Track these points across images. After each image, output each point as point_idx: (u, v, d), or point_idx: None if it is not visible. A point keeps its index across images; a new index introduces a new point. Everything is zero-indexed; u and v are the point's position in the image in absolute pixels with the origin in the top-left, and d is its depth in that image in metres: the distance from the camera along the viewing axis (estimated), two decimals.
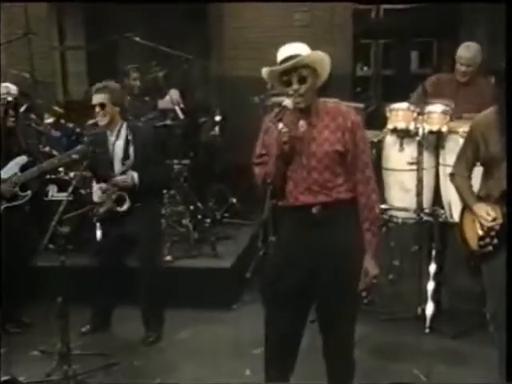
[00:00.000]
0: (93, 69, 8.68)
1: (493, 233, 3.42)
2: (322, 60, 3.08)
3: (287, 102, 2.98)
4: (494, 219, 3.40)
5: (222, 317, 4.92)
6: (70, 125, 5.87)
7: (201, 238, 5.56)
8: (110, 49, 8.16)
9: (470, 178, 3.60)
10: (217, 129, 6.01)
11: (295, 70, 3.01)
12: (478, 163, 3.56)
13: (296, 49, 3.06)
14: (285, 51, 3.06)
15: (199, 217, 5.75)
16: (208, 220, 5.76)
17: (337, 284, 3.10)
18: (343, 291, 3.11)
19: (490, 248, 3.42)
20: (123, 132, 4.43)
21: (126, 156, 4.39)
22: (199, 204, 5.84)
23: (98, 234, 5.31)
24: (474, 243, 3.48)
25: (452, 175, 3.67)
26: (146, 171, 4.38)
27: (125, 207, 4.29)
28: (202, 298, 4.95)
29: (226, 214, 6.32)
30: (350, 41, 7.72)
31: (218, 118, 6.07)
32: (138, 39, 5.76)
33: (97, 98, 4.35)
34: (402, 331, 4.54)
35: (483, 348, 4.07)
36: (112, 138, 4.41)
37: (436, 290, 4.61)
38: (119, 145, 4.40)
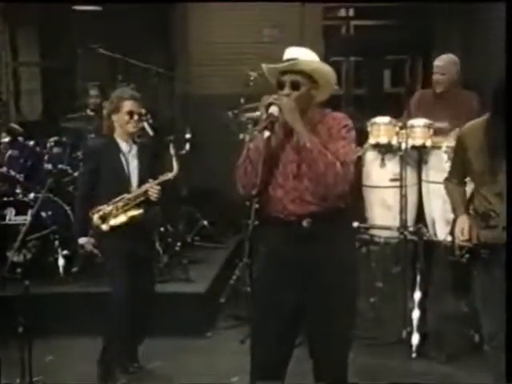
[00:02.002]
0: (48, 86, 8.67)
1: (464, 250, 3.52)
2: (323, 71, 3.12)
3: (273, 109, 3.02)
4: (468, 240, 3.49)
5: (196, 345, 4.91)
6: (30, 142, 5.85)
7: (171, 261, 5.58)
8: (68, 65, 8.19)
9: (463, 184, 3.67)
10: (187, 147, 6.05)
11: (290, 74, 3.07)
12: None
13: (302, 53, 3.12)
14: (290, 52, 3.13)
15: (169, 240, 5.76)
16: (178, 243, 5.78)
17: (329, 305, 3.09)
18: (336, 312, 3.10)
19: (464, 260, 3.51)
20: (133, 143, 4.39)
21: (144, 167, 4.33)
22: (169, 226, 5.85)
23: (61, 261, 5.33)
24: (455, 248, 3.58)
25: (445, 181, 3.77)
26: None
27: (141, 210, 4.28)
28: (174, 325, 4.94)
29: (196, 237, 6.36)
30: (321, 58, 7.88)
31: (188, 136, 6.12)
32: (103, 51, 5.77)
33: (137, 107, 4.34)
34: (387, 356, 4.60)
35: (474, 372, 4.17)
36: (126, 149, 4.34)
37: (421, 316, 4.68)
38: (133, 157, 4.34)
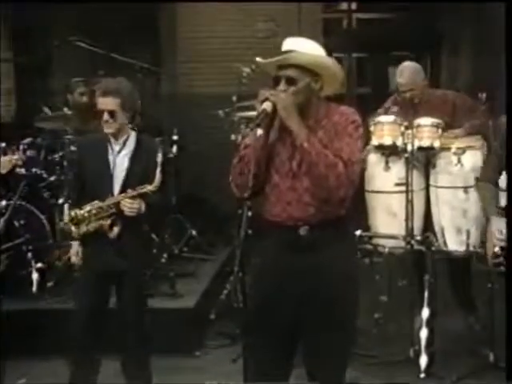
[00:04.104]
0: (22, 85, 8.64)
1: (502, 256, 3.51)
2: (322, 63, 3.10)
3: (267, 104, 3.01)
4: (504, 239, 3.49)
5: (184, 365, 4.90)
6: (2, 144, 5.81)
7: (157, 274, 5.54)
8: (44, 61, 8.17)
9: (495, 184, 3.69)
10: (174, 149, 6.04)
11: (286, 68, 3.06)
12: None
13: (301, 45, 3.10)
14: (288, 44, 3.11)
15: (154, 251, 5.72)
16: (164, 255, 5.75)
17: (326, 322, 3.08)
18: (334, 329, 3.09)
19: (502, 268, 3.50)
20: (131, 143, 4.13)
21: (131, 173, 4.06)
22: (154, 236, 5.83)
23: (35, 275, 5.29)
24: (489, 260, 3.58)
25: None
26: (149, 196, 4.05)
27: (115, 233, 4.11)
28: (160, 343, 4.86)
29: (184, 248, 6.34)
30: None
31: (175, 138, 6.10)
32: (82, 44, 5.75)
33: (105, 103, 4.04)
34: (393, 376, 4.57)
35: None
36: (116, 148, 4.09)
37: (430, 335, 4.66)
38: (123, 158, 4.08)
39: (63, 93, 6.17)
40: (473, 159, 4.63)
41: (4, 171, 4.90)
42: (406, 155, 4.69)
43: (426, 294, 4.67)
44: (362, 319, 4.93)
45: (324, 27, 8.46)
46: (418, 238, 4.78)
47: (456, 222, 4.66)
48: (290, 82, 3.07)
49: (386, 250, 4.87)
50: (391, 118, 4.77)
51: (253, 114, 3.20)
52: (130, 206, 3.95)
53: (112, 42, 6.84)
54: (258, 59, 3.16)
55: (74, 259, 4.18)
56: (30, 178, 5.62)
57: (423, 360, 4.57)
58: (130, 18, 7.87)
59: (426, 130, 4.68)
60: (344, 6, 9.91)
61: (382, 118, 4.78)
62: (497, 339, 4.35)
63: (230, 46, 7.82)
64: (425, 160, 4.83)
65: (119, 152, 4.09)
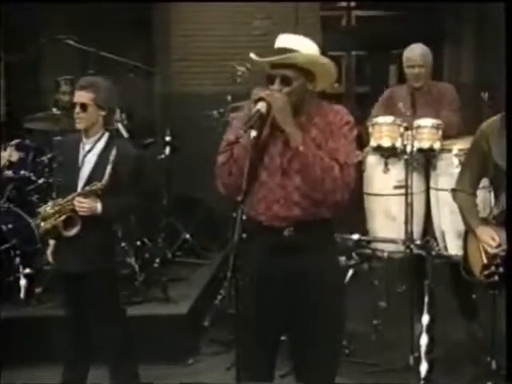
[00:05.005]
0: (12, 84, 8.64)
1: (497, 261, 3.52)
2: (318, 63, 3.11)
3: (261, 105, 3.01)
4: (499, 245, 3.50)
5: (177, 373, 4.89)
6: None
7: (149, 279, 5.55)
8: (34, 59, 8.17)
9: (474, 195, 3.72)
10: (167, 151, 6.04)
11: (281, 67, 3.06)
12: (484, 179, 3.68)
13: (295, 42, 3.09)
14: (282, 41, 3.12)
15: (146, 255, 5.74)
16: (157, 259, 5.75)
17: (312, 328, 3.12)
18: (320, 337, 3.12)
19: (496, 278, 3.51)
20: (101, 143, 4.20)
21: (95, 173, 4.13)
22: (146, 240, 5.82)
23: (23, 281, 5.28)
24: (478, 272, 3.58)
25: (454, 191, 3.80)
26: (114, 198, 4.11)
27: (73, 232, 4.14)
28: (152, 351, 4.91)
29: (177, 252, 6.34)
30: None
31: (168, 139, 6.11)
32: (72, 43, 5.76)
33: (78, 96, 4.16)
34: None
35: None
36: (86, 147, 4.18)
37: (430, 341, 4.67)
38: (92, 157, 4.17)
39: (52, 92, 6.16)
40: None
41: None
42: (406, 157, 4.69)
43: (426, 300, 4.66)
44: (361, 325, 5.03)
45: (322, 25, 8.45)
46: (418, 242, 4.78)
47: (457, 225, 4.63)
48: (285, 81, 3.08)
49: (385, 254, 4.88)
50: (390, 118, 4.76)
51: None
52: (80, 205, 4.02)
53: (104, 41, 6.84)
54: (252, 55, 3.16)
55: (49, 258, 4.25)
56: (18, 180, 5.64)
57: (423, 368, 4.55)
58: (123, 16, 7.88)
59: (426, 131, 4.68)
60: (343, 3, 9.92)
61: (381, 119, 4.78)
62: (499, 346, 4.34)
63: (225, 45, 7.82)
64: (425, 162, 4.83)
65: (89, 151, 4.17)
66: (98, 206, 4.06)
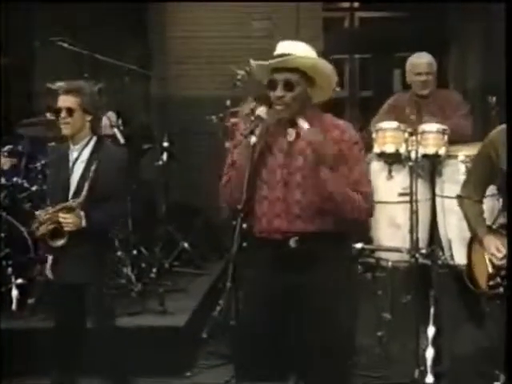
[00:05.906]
0: (5, 87, 8.64)
1: (503, 272, 3.51)
2: (322, 68, 3.13)
3: (261, 110, 3.02)
4: (505, 256, 3.50)
5: None
6: None
7: (145, 290, 5.54)
8: (28, 63, 8.17)
9: (480, 202, 3.71)
10: (164, 157, 6.04)
11: (283, 72, 3.08)
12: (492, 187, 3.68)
13: (296, 48, 3.12)
14: (283, 47, 3.14)
15: (143, 265, 5.74)
16: (154, 269, 5.74)
17: (319, 343, 3.12)
18: (327, 351, 3.13)
19: (501, 289, 3.50)
20: (88, 149, 4.19)
21: (83, 182, 4.11)
22: (143, 249, 5.82)
23: (15, 292, 5.28)
24: (483, 282, 3.57)
25: (460, 198, 3.79)
26: (101, 206, 4.12)
27: (59, 243, 4.14)
28: (148, 363, 4.90)
29: (175, 262, 6.33)
30: (320, 56, 7.89)
31: (165, 144, 6.11)
32: (66, 45, 5.76)
33: (63, 101, 4.15)
34: None
35: None
36: (74, 154, 4.18)
37: (436, 354, 4.66)
38: (80, 164, 4.16)
39: (44, 96, 6.17)
40: None
41: None
42: (410, 163, 4.70)
43: (432, 311, 4.67)
44: (364, 338, 5.01)
45: (324, 27, 8.43)
46: (424, 251, 4.77)
47: (464, 233, 4.62)
48: (288, 86, 3.08)
49: (390, 263, 4.88)
50: (394, 123, 4.77)
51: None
52: (64, 220, 4.02)
53: (99, 43, 6.86)
54: (251, 61, 3.17)
55: (47, 272, 4.24)
56: (11, 187, 5.63)
57: (429, 381, 4.56)
58: (118, 18, 7.89)
59: (431, 137, 4.69)
60: (346, 4, 9.93)
61: (385, 124, 4.79)
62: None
63: (224, 47, 7.82)
64: (430, 168, 4.83)
65: (77, 159, 4.17)
66: (83, 222, 4.05)
